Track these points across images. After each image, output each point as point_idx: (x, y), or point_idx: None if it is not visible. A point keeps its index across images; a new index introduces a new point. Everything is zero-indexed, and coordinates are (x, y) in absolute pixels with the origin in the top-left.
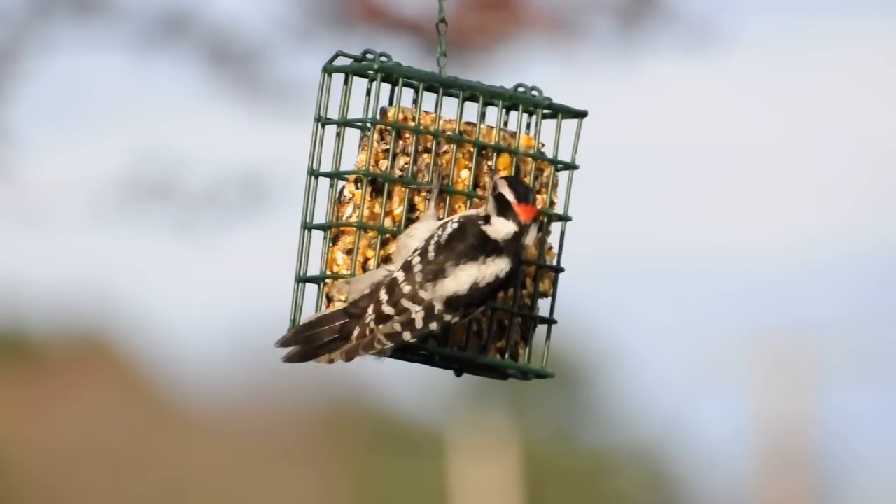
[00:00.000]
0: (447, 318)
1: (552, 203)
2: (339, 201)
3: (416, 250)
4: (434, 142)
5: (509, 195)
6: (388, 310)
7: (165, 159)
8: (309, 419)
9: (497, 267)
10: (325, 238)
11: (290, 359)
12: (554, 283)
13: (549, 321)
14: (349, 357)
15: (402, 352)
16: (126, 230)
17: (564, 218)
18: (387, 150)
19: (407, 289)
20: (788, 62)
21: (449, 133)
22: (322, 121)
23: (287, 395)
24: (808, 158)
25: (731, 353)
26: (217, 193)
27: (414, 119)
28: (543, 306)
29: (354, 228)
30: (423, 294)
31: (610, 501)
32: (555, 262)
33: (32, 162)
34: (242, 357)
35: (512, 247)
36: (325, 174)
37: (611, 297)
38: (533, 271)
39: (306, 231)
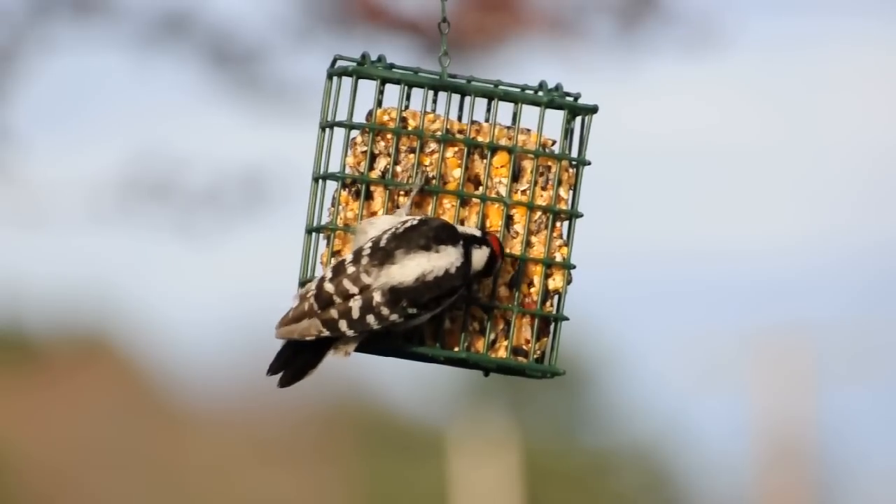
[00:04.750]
0: (385, 312)
1: (560, 199)
2: (333, 204)
3: (371, 238)
4: (418, 142)
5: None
6: (329, 287)
7: (165, 159)
8: (309, 419)
9: (448, 259)
10: (318, 241)
11: (283, 384)
12: (566, 281)
13: (561, 318)
14: (279, 335)
15: (405, 353)
16: (126, 230)
17: (575, 214)
18: (366, 152)
19: (351, 270)
20: (789, 62)
21: (438, 132)
22: (323, 125)
23: (287, 395)
24: (809, 158)
25: (732, 353)
26: (217, 193)
27: (404, 120)
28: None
29: (339, 231)
30: (365, 278)
31: (610, 502)
32: (566, 259)
33: (32, 162)
34: (242, 357)
35: (469, 263)
36: (319, 177)
37: (610, 297)
38: (540, 269)
39: (308, 235)
